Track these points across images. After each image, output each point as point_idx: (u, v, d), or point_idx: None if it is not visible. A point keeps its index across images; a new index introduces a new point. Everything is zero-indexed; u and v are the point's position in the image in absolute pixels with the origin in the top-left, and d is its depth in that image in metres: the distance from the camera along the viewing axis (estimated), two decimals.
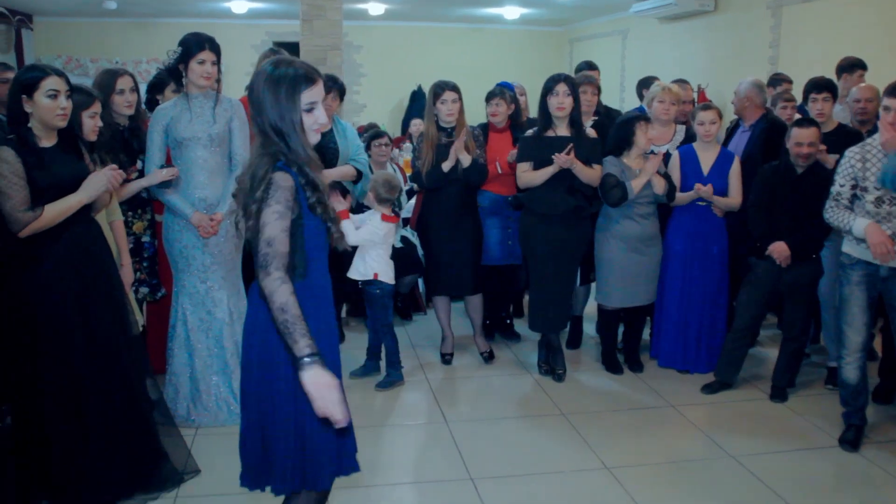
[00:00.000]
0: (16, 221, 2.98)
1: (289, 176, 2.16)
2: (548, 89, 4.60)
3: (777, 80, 6.31)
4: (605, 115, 5.44)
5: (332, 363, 2.18)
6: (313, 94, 2.20)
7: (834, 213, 3.91)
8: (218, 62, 3.95)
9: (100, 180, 3.21)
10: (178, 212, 3.92)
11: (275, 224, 2.12)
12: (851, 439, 4.00)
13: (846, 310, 3.95)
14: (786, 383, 4.66)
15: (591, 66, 6.02)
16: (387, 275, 4.63)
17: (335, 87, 5.05)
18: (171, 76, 4.10)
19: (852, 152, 3.87)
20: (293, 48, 7.16)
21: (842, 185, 3.88)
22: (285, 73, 2.20)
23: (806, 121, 4.43)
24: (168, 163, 3.95)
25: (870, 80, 5.52)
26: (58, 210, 3.05)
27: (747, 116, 5.30)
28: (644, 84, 6.01)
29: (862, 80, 5.66)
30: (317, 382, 2.05)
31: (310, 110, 2.22)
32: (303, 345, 2.05)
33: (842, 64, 5.68)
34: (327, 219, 2.26)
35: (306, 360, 2.04)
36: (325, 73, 5.27)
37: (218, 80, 4.01)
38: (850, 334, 3.95)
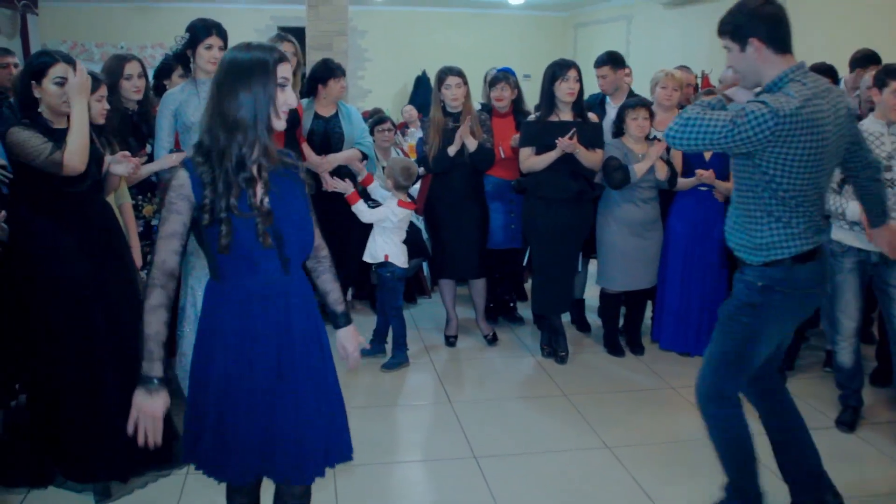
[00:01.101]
0: (53, 164, 3.04)
1: (183, 174, 2.10)
2: (557, 75, 4.64)
3: None
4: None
5: (249, 373, 2.16)
6: (285, 70, 2.14)
7: (825, 198, 3.95)
8: (225, 47, 4.00)
9: (117, 171, 3.33)
10: None
11: (161, 229, 2.10)
12: (848, 420, 4.07)
13: (839, 297, 4.01)
14: (785, 366, 4.72)
15: (613, 59, 5.38)
16: (399, 258, 4.71)
17: (340, 70, 5.14)
18: (179, 61, 4.15)
19: None
20: (299, 33, 7.20)
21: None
22: (253, 56, 2.11)
23: None
24: (177, 147, 4.00)
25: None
26: (76, 131, 3.10)
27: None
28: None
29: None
30: (143, 406, 2.08)
31: (283, 86, 2.13)
32: (147, 367, 2.07)
33: (855, 56, 5.71)
34: (221, 220, 2.07)
35: (144, 380, 2.07)
36: (326, 58, 5.35)
37: None
38: (844, 320, 4.01)
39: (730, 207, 2.96)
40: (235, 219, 2.07)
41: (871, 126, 3.87)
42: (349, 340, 2.64)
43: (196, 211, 2.08)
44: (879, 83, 3.82)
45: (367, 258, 4.75)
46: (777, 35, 2.69)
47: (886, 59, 3.96)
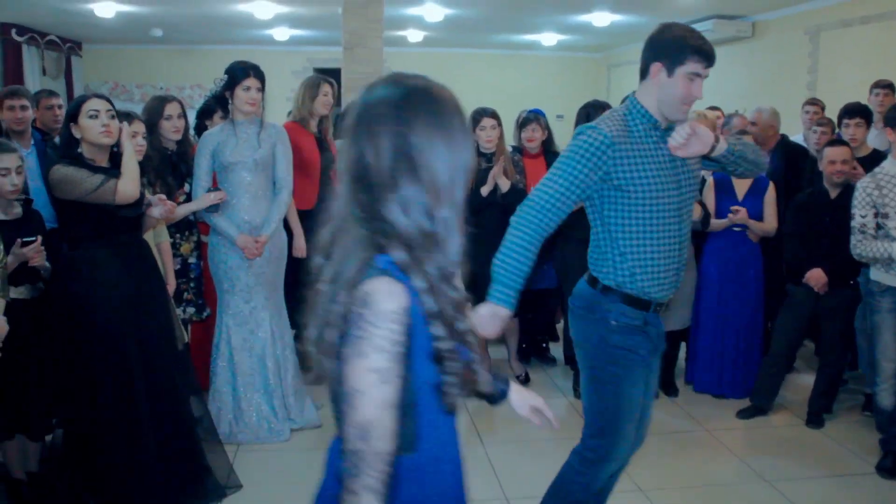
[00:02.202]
0: (108, 192, 3.16)
1: (400, 290, 1.31)
2: (592, 116, 4.65)
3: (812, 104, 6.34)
4: None
5: None
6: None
7: (865, 246, 3.91)
8: (262, 89, 4.08)
9: (154, 213, 3.45)
10: (224, 234, 4.05)
11: (372, 396, 1.30)
12: (889, 466, 3.99)
13: (878, 337, 3.97)
14: (822, 409, 4.65)
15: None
16: None
17: None
18: (218, 103, 4.25)
19: (864, 183, 3.92)
20: (334, 74, 7.31)
21: (863, 216, 3.89)
22: (447, 94, 1.46)
23: (837, 141, 4.48)
24: (214, 186, 4.08)
25: None
26: (127, 161, 3.26)
27: (769, 143, 5.34)
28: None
29: (890, 99, 5.72)
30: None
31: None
32: None
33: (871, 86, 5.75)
34: (457, 375, 1.39)
35: None
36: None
37: (262, 107, 4.14)
38: (883, 362, 3.96)
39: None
40: (465, 353, 1.42)
41: (890, 169, 3.85)
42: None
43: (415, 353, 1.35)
44: (892, 123, 3.80)
45: None
46: None
47: None
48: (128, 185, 3.20)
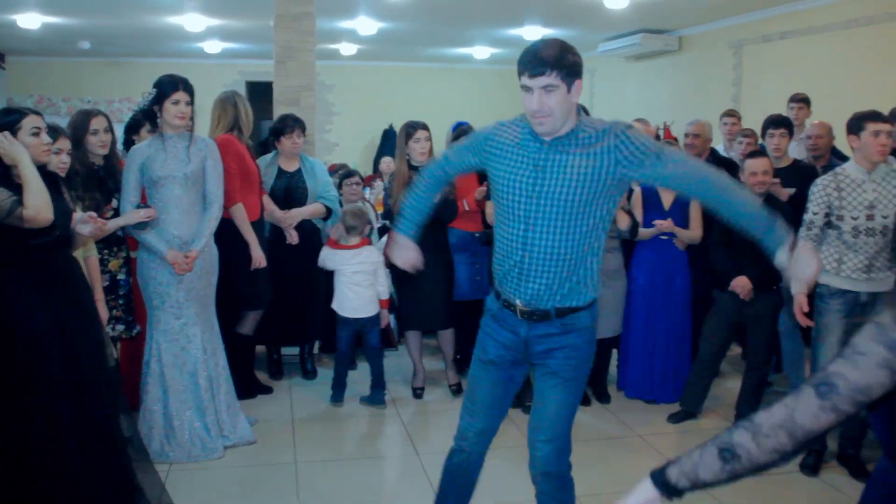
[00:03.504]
0: (17, 219, 2.99)
1: None
2: None
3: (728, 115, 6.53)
4: None
5: None
6: None
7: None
8: (192, 102, 4.05)
9: (83, 231, 3.35)
10: (154, 249, 3.99)
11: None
12: (812, 464, 4.13)
13: (824, 340, 4.03)
14: (749, 411, 4.77)
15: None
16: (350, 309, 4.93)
17: (298, 126, 5.18)
18: (146, 117, 4.20)
19: (825, 181, 3.99)
20: (266, 88, 7.28)
21: (815, 213, 3.99)
22: None
23: (757, 152, 4.62)
24: (143, 201, 4.02)
25: (824, 116, 5.74)
26: (28, 186, 3.01)
27: (704, 155, 5.49)
28: None
29: (805, 112, 5.97)
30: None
31: None
32: None
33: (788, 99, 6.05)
34: None
35: None
36: (287, 113, 5.42)
37: (191, 120, 4.11)
38: (826, 363, 4.04)
39: None
40: None
41: (853, 172, 3.96)
42: None
43: None
44: (855, 129, 3.90)
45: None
46: None
47: (837, 110, 4.08)
48: (32, 211, 2.98)
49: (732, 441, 1.47)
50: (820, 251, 3.99)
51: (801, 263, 2.47)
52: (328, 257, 4.95)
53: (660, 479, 1.54)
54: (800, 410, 1.40)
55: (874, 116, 3.85)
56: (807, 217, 4.03)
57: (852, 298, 3.96)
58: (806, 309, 3.94)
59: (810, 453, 4.17)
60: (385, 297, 5.06)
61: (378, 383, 5.01)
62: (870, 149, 3.84)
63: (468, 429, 2.93)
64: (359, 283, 4.89)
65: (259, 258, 4.69)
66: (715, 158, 5.53)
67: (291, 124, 5.19)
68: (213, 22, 9.89)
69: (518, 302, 2.69)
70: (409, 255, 3.02)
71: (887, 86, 7.31)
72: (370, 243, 4.97)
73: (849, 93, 7.40)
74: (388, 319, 5.12)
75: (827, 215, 3.96)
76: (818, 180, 4.05)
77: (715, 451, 1.48)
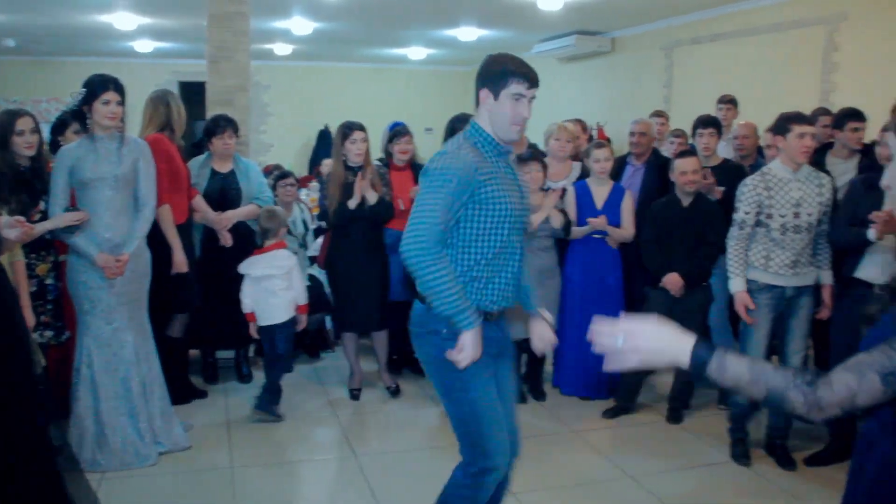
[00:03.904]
0: None
1: None
2: (457, 128, 4.73)
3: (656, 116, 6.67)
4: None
5: None
6: None
7: (734, 249, 4.13)
8: (123, 102, 3.98)
9: (9, 236, 3.26)
10: (84, 253, 3.91)
11: None
12: (742, 453, 4.27)
13: (752, 334, 4.15)
14: (681, 405, 4.90)
15: None
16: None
17: (230, 126, 5.13)
18: (76, 117, 4.11)
19: (754, 181, 4.09)
20: (199, 88, 7.19)
21: (746, 213, 4.09)
22: None
23: (686, 152, 4.74)
24: (72, 204, 3.94)
25: (751, 117, 5.90)
26: None
27: (646, 154, 5.58)
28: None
29: (732, 113, 6.14)
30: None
31: None
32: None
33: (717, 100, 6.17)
34: None
35: None
36: (220, 114, 5.36)
37: (122, 121, 4.03)
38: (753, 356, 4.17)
39: None
40: None
41: (779, 172, 4.07)
42: None
43: None
44: (782, 130, 4.01)
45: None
46: None
47: (765, 110, 4.21)
48: None
49: (785, 395, 1.54)
50: (749, 249, 4.11)
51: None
52: (246, 262, 4.79)
53: (700, 359, 1.60)
54: (863, 394, 1.49)
55: (800, 119, 3.97)
56: (738, 217, 4.13)
57: (779, 293, 4.09)
58: (752, 306, 4.06)
59: (736, 442, 4.32)
60: (302, 302, 4.85)
61: (272, 392, 4.77)
62: (795, 150, 3.96)
63: (503, 444, 2.76)
64: (270, 287, 4.72)
65: (180, 262, 4.60)
66: (657, 158, 5.62)
67: (223, 125, 5.14)
68: (144, 20, 9.71)
69: (497, 308, 2.76)
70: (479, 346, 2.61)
71: (811, 87, 7.56)
72: (285, 246, 4.86)
73: (775, 94, 7.62)
74: (304, 324, 4.96)
75: (757, 214, 4.07)
76: (747, 180, 4.15)
77: (763, 390, 1.55)
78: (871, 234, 3.74)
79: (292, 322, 4.80)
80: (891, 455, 1.61)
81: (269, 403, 4.72)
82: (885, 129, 3.96)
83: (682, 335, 1.62)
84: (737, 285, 4.10)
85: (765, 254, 4.08)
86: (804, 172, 4.05)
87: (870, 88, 6.85)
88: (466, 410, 2.71)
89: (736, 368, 1.57)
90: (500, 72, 2.64)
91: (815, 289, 4.17)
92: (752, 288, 4.13)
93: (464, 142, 2.69)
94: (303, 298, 4.84)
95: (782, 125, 4.01)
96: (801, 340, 4.13)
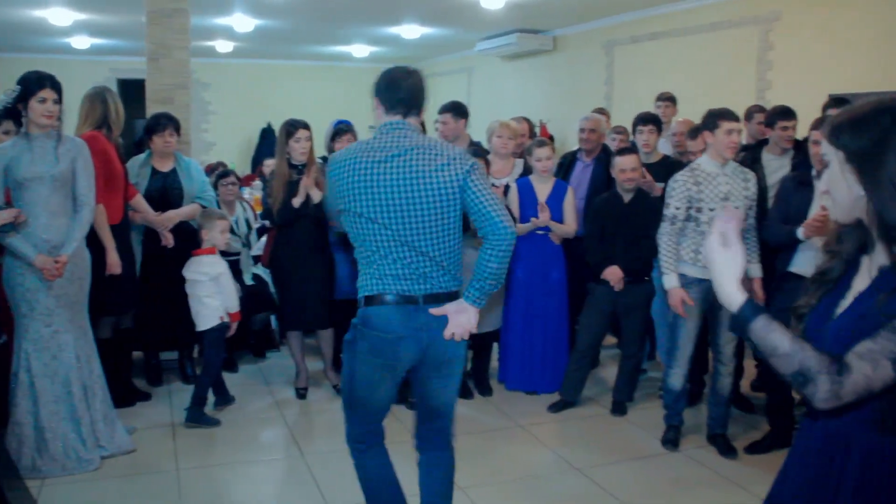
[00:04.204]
0: None
1: None
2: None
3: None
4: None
5: None
6: None
7: (666, 245, 4.22)
8: (60, 100, 3.90)
9: None
10: (21, 255, 3.82)
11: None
12: (672, 439, 4.41)
13: (682, 325, 4.26)
14: (625, 398, 4.98)
15: (456, 108, 5.58)
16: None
17: (171, 124, 5.06)
18: (10, 116, 4.02)
19: (684, 177, 4.18)
20: (139, 86, 7.07)
21: (677, 208, 4.18)
22: None
23: (625, 149, 4.82)
24: (7, 202, 3.85)
25: (689, 114, 6.02)
26: None
27: (596, 150, 5.64)
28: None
29: (671, 110, 6.26)
30: None
31: None
32: None
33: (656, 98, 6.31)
34: None
35: None
36: (160, 111, 5.28)
37: (59, 119, 3.95)
38: (683, 347, 4.28)
39: None
40: None
41: (707, 167, 4.17)
42: None
43: None
44: (711, 126, 4.12)
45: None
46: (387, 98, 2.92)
47: (702, 108, 4.30)
48: None
49: (815, 378, 1.58)
50: (680, 244, 4.21)
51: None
52: (186, 265, 4.70)
53: (747, 315, 1.66)
54: (877, 381, 1.55)
55: (728, 115, 4.08)
56: (668, 212, 4.23)
57: (707, 286, 4.19)
58: (690, 302, 4.16)
59: (669, 428, 4.44)
60: (234, 309, 4.69)
61: (196, 402, 4.64)
62: (723, 145, 4.08)
63: (363, 429, 3.16)
64: (197, 293, 4.63)
65: (114, 264, 4.51)
66: (607, 154, 5.69)
67: (164, 122, 5.07)
68: (80, 16, 9.52)
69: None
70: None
71: (747, 85, 7.74)
72: (213, 252, 4.74)
73: (712, 92, 7.78)
74: (233, 331, 4.78)
75: (687, 209, 4.16)
76: (677, 175, 4.25)
77: (794, 365, 1.60)
78: (800, 233, 3.88)
79: (219, 329, 4.67)
80: (878, 449, 1.65)
81: (196, 414, 4.65)
82: (814, 128, 4.10)
83: (739, 286, 1.68)
84: (670, 281, 4.19)
85: (694, 248, 4.18)
86: (731, 167, 4.16)
87: (803, 86, 7.04)
88: (346, 391, 3.06)
89: (778, 336, 1.62)
90: (387, 88, 2.92)
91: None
92: (683, 283, 4.22)
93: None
94: (234, 306, 4.69)
95: (711, 121, 4.13)
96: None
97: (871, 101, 1.65)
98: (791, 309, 1.86)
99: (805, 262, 4.04)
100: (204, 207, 5.08)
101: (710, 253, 1.71)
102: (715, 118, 4.10)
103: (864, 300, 1.66)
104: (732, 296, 1.68)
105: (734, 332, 1.73)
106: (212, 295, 4.61)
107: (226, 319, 4.65)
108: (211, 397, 4.81)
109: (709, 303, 4.22)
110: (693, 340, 4.28)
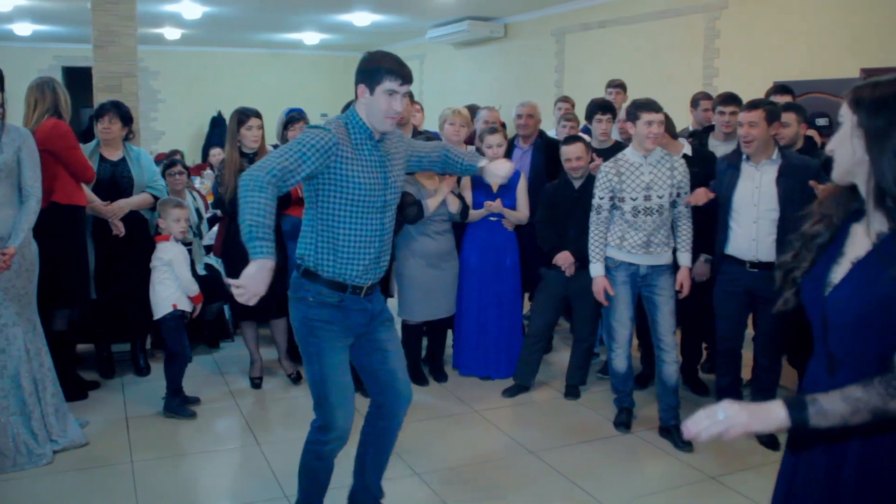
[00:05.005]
0: None
1: None
2: None
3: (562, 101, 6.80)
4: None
5: None
6: None
7: (593, 234, 4.35)
8: (2, 88, 3.83)
9: None
10: None
11: None
12: (624, 421, 4.51)
13: (614, 308, 4.37)
14: (578, 381, 5.06)
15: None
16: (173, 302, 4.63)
17: (111, 110, 4.98)
18: None
19: (607, 167, 4.29)
20: (85, 74, 6.95)
21: (601, 198, 4.29)
22: None
23: (571, 138, 4.89)
24: None
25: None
26: None
27: (533, 136, 5.70)
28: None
29: (622, 97, 6.35)
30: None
31: None
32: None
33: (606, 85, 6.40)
34: None
35: None
36: (110, 100, 5.20)
37: (2, 108, 3.88)
38: (618, 328, 4.39)
39: None
40: None
41: (631, 157, 4.26)
42: None
43: None
44: (632, 117, 4.20)
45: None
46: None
47: (651, 94, 4.36)
48: None
49: (888, 408, 1.59)
50: (609, 230, 4.33)
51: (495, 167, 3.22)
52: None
53: (799, 418, 1.62)
54: None
55: (648, 106, 4.16)
56: (594, 202, 4.34)
57: (634, 270, 4.29)
58: (611, 291, 4.30)
59: (621, 411, 4.54)
60: (191, 293, 4.59)
61: (170, 392, 4.65)
62: (643, 136, 4.17)
63: (345, 409, 3.06)
64: (153, 280, 4.58)
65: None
66: (543, 139, 5.75)
67: (106, 108, 5.00)
68: (22, 1, 9.30)
69: (368, 282, 3.00)
70: (267, 280, 2.72)
71: (695, 72, 7.86)
72: (167, 239, 4.68)
73: (661, 79, 7.90)
74: (196, 313, 4.70)
75: (612, 198, 4.25)
76: (602, 167, 4.37)
77: (867, 415, 1.60)
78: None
79: (173, 318, 4.59)
80: (874, 443, 1.70)
81: (173, 405, 4.63)
82: (745, 111, 4.19)
83: (769, 404, 1.65)
84: (595, 270, 4.33)
85: (620, 234, 4.28)
86: (656, 156, 4.24)
87: (749, 73, 7.18)
88: (317, 373, 2.99)
89: (834, 409, 1.61)
90: (375, 69, 2.84)
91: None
92: (610, 265, 4.34)
93: (338, 122, 2.89)
94: (191, 290, 4.61)
95: (633, 112, 4.22)
96: (670, 317, 4.32)
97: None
98: (778, 265, 1.90)
99: (738, 245, 4.20)
100: (155, 197, 5.02)
101: (736, 419, 1.67)
102: (636, 109, 4.19)
103: (864, 266, 1.70)
104: (776, 422, 1.65)
105: (804, 442, 1.73)
106: (163, 282, 4.56)
107: (180, 307, 4.60)
108: (163, 386, 4.76)
109: (638, 287, 4.33)
110: (627, 324, 4.39)
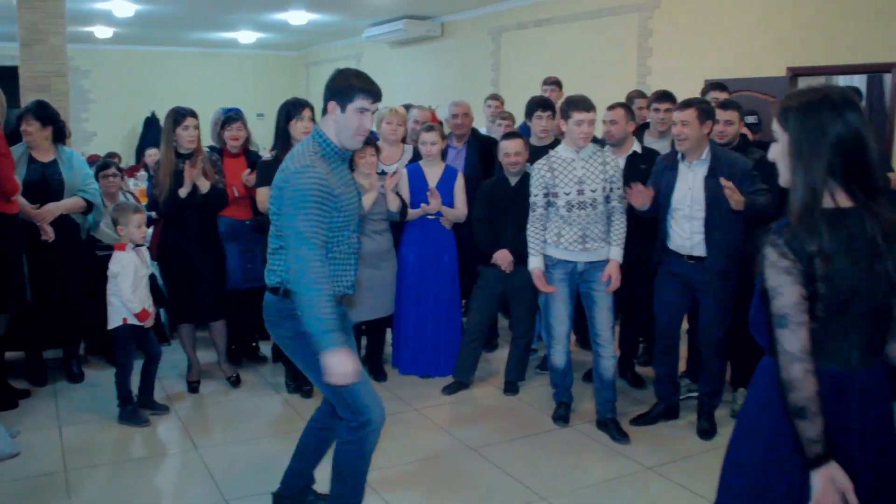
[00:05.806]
0: None
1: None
2: (292, 114, 4.70)
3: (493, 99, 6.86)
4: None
5: None
6: None
7: (530, 230, 4.41)
8: None
9: None
10: None
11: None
12: (563, 415, 4.57)
13: (552, 305, 4.43)
14: (517, 377, 5.11)
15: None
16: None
17: (29, 112, 4.85)
18: None
19: (540, 165, 4.35)
20: (12, 73, 6.77)
21: (535, 196, 4.35)
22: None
23: (511, 134, 4.94)
24: None
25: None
26: None
27: (467, 135, 5.74)
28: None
29: (557, 94, 6.43)
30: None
31: None
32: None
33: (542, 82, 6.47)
34: None
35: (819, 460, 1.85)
36: (33, 100, 5.06)
37: None
38: (556, 325, 4.45)
39: None
40: None
41: (563, 153, 4.32)
42: None
43: None
44: (564, 115, 4.26)
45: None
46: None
47: (580, 91, 4.42)
48: None
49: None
50: (546, 228, 4.39)
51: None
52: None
53: (813, 457, 1.86)
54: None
55: (579, 105, 4.22)
56: (531, 200, 4.40)
57: (571, 267, 4.36)
58: (549, 289, 4.37)
59: (559, 405, 4.61)
60: (133, 310, 4.45)
61: (120, 401, 4.55)
62: (574, 134, 4.25)
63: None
64: (108, 289, 4.50)
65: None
66: (477, 137, 5.80)
67: (26, 109, 4.88)
68: None
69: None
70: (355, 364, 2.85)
71: (629, 71, 8.00)
72: (123, 248, 4.53)
73: (596, 77, 8.01)
74: (149, 324, 4.61)
75: (546, 195, 4.30)
76: (535, 164, 4.43)
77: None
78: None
79: (123, 329, 4.50)
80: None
81: (125, 413, 4.54)
82: (678, 109, 4.28)
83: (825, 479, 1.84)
84: (533, 263, 4.40)
85: (557, 231, 4.34)
86: (588, 152, 4.32)
87: (681, 72, 7.33)
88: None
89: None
90: (348, 87, 2.89)
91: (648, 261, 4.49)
92: (549, 263, 4.40)
93: (313, 154, 2.89)
94: (131, 307, 4.45)
95: (565, 110, 4.28)
96: (608, 313, 4.40)
97: (817, 90, 1.92)
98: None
99: (678, 239, 4.29)
100: (87, 202, 4.92)
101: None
102: (568, 108, 4.26)
103: None
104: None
105: (813, 468, 1.86)
106: (115, 293, 4.47)
107: (130, 321, 4.50)
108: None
109: (574, 283, 4.39)
110: (565, 321, 4.45)
